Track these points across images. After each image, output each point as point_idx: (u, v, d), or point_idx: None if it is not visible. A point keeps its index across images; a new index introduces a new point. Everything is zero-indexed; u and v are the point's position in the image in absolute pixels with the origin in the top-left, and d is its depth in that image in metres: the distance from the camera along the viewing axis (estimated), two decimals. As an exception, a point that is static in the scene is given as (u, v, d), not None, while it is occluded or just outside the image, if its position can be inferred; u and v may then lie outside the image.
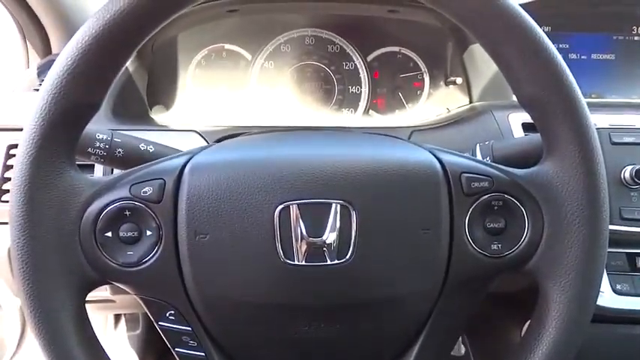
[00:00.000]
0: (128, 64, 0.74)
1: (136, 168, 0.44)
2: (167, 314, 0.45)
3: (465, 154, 0.48)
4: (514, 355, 0.47)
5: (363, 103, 0.87)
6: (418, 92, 0.87)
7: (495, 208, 0.46)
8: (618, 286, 0.65)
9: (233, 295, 0.44)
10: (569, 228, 0.43)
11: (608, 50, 0.85)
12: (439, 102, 0.87)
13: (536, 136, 0.56)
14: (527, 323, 0.48)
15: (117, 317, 1.12)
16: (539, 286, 0.46)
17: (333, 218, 0.42)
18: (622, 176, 0.65)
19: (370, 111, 0.87)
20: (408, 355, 0.48)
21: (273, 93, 0.86)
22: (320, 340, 0.46)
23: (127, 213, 0.43)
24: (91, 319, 0.44)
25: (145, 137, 0.53)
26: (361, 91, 0.87)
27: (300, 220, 0.42)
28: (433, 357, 0.49)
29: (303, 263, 0.42)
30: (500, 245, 0.46)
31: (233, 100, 0.86)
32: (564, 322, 0.43)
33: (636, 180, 0.64)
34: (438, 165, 0.45)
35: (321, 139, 0.51)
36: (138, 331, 1.09)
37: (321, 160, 0.44)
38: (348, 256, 0.43)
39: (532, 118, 0.45)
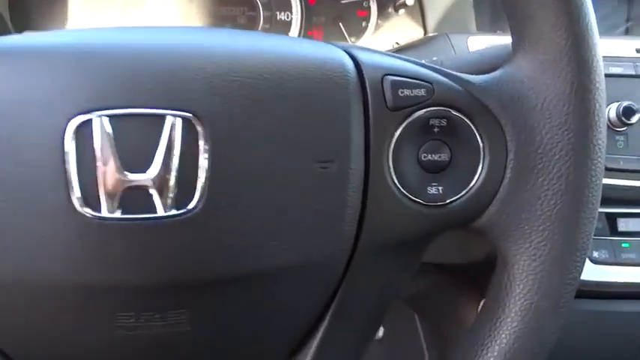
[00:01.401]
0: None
1: None
2: None
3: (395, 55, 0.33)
4: (464, 347, 0.33)
5: (294, 34, 0.74)
6: (363, 23, 0.76)
7: (436, 130, 0.30)
8: (595, 254, 0.54)
9: (5, 272, 0.27)
10: (546, 158, 0.29)
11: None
12: (388, 35, 0.76)
13: (501, 45, 0.43)
14: (482, 303, 0.34)
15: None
16: (497, 250, 0.32)
17: (168, 141, 0.26)
18: (606, 115, 0.53)
19: (304, 44, 0.73)
20: (308, 347, 0.33)
21: (181, 18, 0.71)
22: (159, 338, 0.29)
23: None
24: None
25: None
26: (292, 19, 0.74)
27: (112, 144, 0.26)
28: (345, 346, 0.34)
29: (118, 215, 0.26)
30: (441, 188, 0.31)
31: (128, 25, 0.71)
32: (533, 303, 0.30)
33: (624, 120, 0.53)
34: (350, 64, 0.30)
35: (179, 29, 0.34)
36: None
37: (157, 49, 0.27)
38: (193, 205, 0.26)
39: (502, 2, 0.31)
